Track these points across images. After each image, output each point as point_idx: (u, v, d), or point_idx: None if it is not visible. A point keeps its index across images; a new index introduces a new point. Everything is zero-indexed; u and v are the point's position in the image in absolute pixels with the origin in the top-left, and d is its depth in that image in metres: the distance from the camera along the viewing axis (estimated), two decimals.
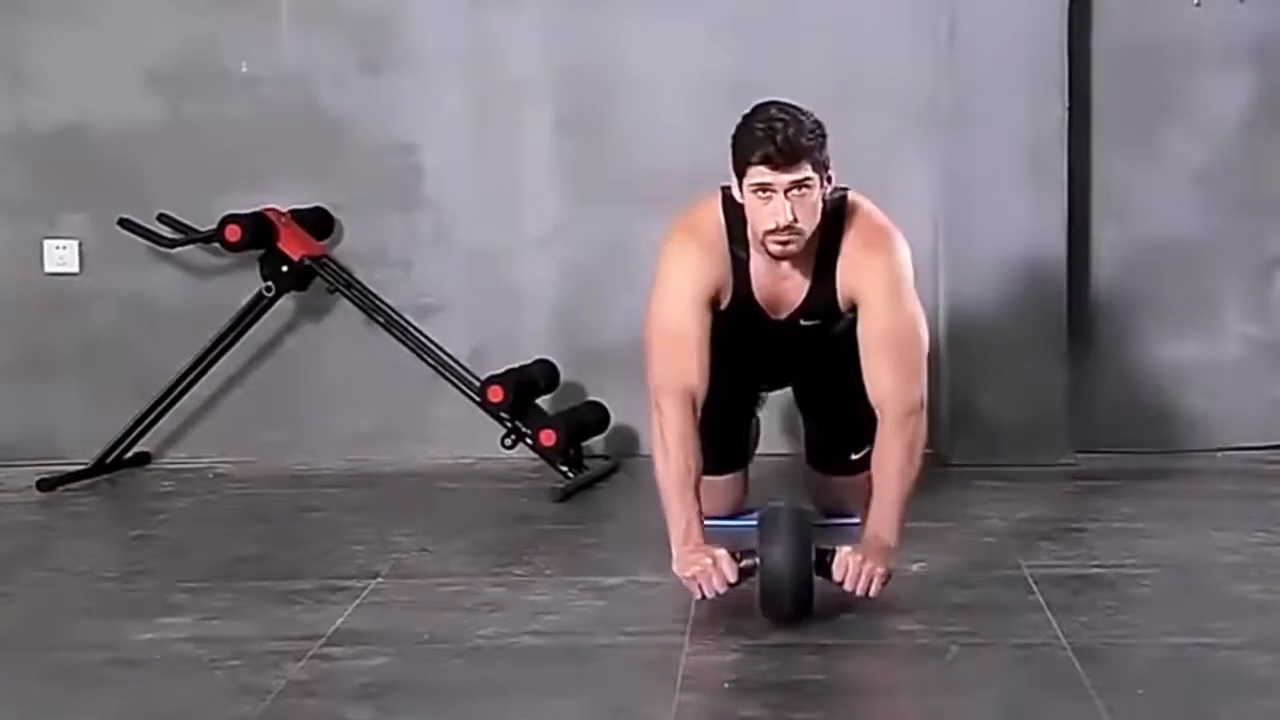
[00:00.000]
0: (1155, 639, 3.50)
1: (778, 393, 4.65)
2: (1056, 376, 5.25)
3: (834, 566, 3.56)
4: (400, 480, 5.22)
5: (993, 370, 5.25)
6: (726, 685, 3.18)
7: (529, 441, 5.09)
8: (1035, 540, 4.36)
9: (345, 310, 5.41)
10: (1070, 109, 5.20)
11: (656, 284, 3.92)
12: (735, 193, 3.85)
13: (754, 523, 4.37)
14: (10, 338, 5.52)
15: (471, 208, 5.48)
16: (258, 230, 5.24)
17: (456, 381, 5.22)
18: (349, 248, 5.47)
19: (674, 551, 3.64)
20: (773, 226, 3.75)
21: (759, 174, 3.74)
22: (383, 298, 5.32)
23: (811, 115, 3.82)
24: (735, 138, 3.81)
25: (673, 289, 3.88)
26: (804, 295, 3.98)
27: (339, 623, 3.65)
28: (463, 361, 5.26)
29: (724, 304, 3.92)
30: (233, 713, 3.13)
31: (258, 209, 5.29)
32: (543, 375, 5.26)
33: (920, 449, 3.76)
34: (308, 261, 5.28)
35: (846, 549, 3.58)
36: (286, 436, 5.49)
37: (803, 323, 4.05)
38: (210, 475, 5.33)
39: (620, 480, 5.15)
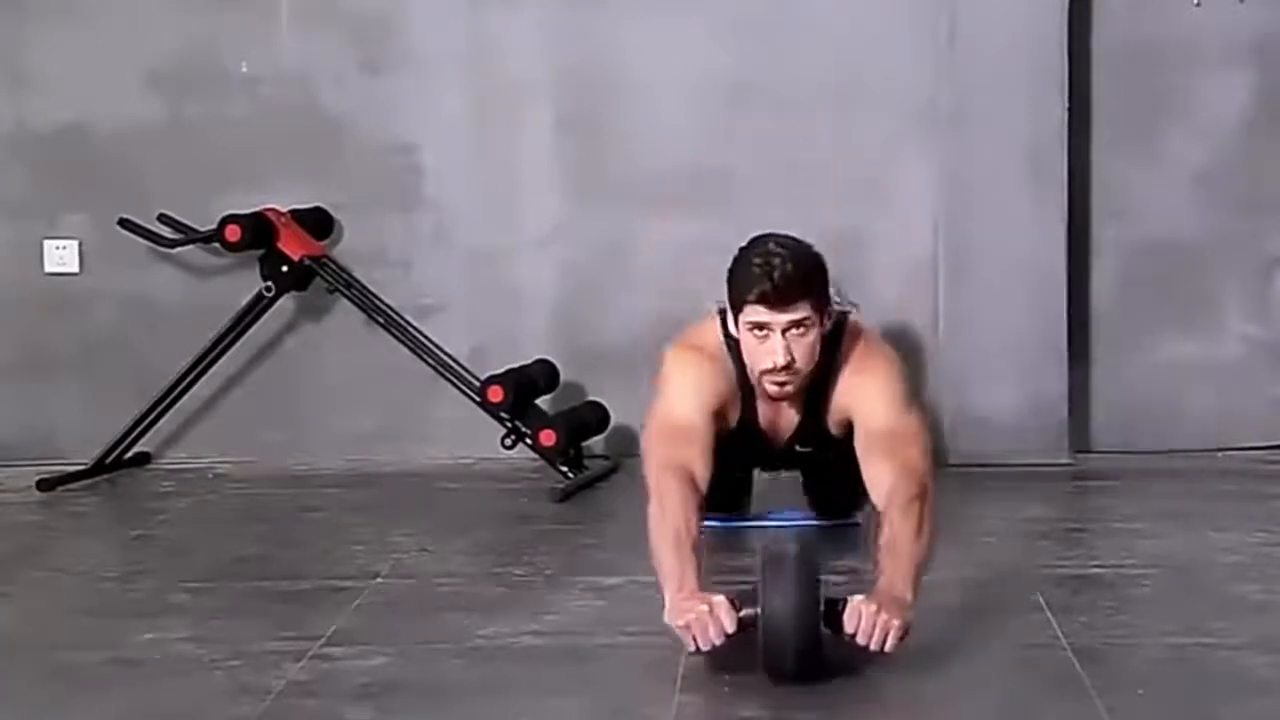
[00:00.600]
0: (1155, 639, 3.49)
1: None
2: (1056, 376, 5.25)
3: (845, 617, 3.20)
4: (400, 480, 5.22)
5: (992, 370, 5.25)
6: (726, 686, 3.17)
7: (529, 441, 5.09)
8: (1035, 540, 4.36)
9: (345, 310, 5.41)
10: (1070, 109, 5.20)
11: (660, 393, 3.72)
12: (731, 327, 3.71)
13: (754, 523, 4.40)
14: (10, 338, 5.52)
15: (471, 208, 5.48)
16: (258, 230, 5.24)
17: (456, 381, 5.22)
18: (349, 248, 5.47)
19: (667, 600, 3.27)
20: (770, 366, 3.64)
21: (756, 313, 3.61)
22: (383, 298, 5.32)
23: (811, 249, 3.67)
24: (732, 271, 3.67)
25: (679, 394, 3.70)
26: (797, 424, 3.94)
27: (339, 623, 3.65)
28: (463, 361, 5.26)
29: (729, 423, 3.79)
30: (232, 713, 3.13)
31: (258, 209, 5.29)
32: (543, 375, 5.26)
33: (931, 529, 3.39)
34: (308, 261, 5.28)
35: (859, 598, 3.21)
36: (286, 436, 5.49)
37: (799, 448, 4.03)
38: (210, 475, 5.33)
39: (620, 480, 5.15)
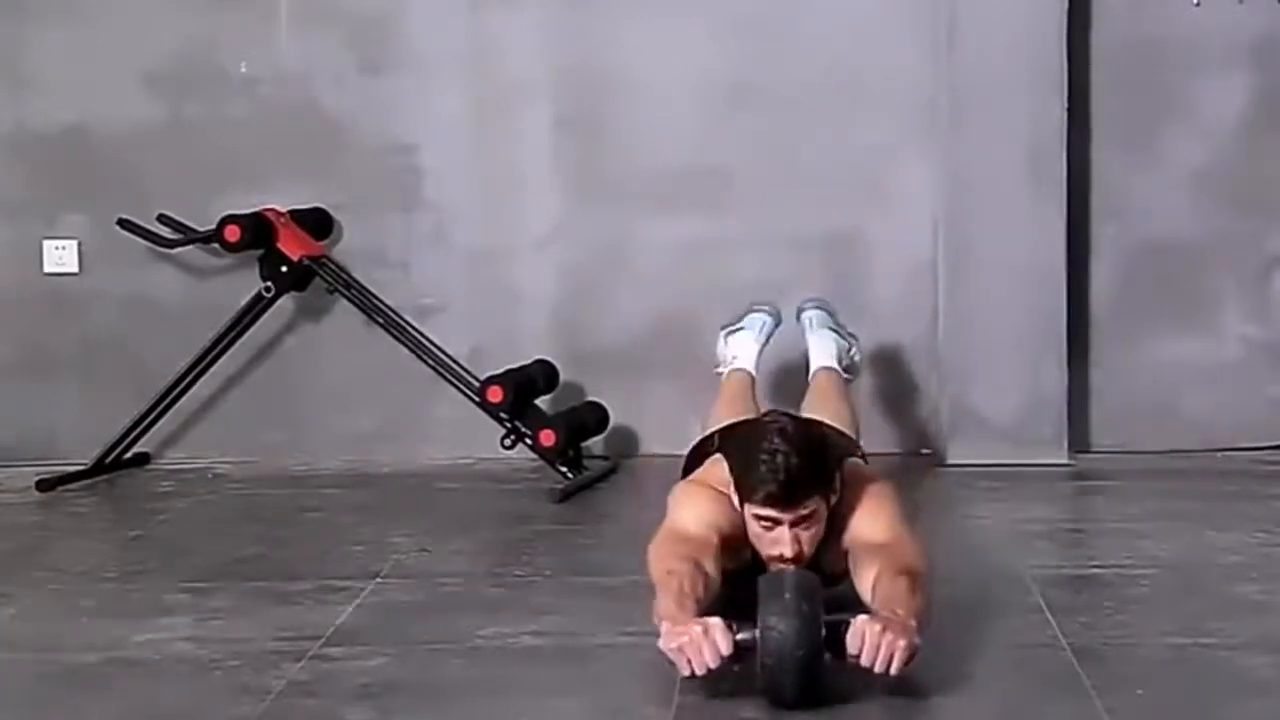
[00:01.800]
0: (1155, 639, 3.50)
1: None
2: (1056, 376, 5.25)
3: (848, 637, 3.07)
4: (400, 480, 5.22)
5: (992, 370, 5.25)
6: (726, 686, 3.17)
7: (528, 442, 5.09)
8: (1035, 540, 4.36)
9: (345, 311, 5.41)
10: (1070, 109, 5.20)
11: (669, 517, 3.55)
12: (734, 501, 3.50)
13: None
14: (10, 338, 5.52)
15: (471, 208, 5.48)
16: (257, 230, 5.24)
17: (456, 382, 5.22)
18: (348, 248, 5.47)
19: (662, 627, 3.17)
20: (777, 555, 3.45)
21: (763, 510, 3.42)
22: (382, 298, 5.32)
23: (816, 435, 3.51)
24: (738, 462, 3.48)
25: (688, 515, 3.52)
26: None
27: (338, 623, 3.65)
28: (462, 362, 5.26)
29: (735, 562, 3.55)
30: (232, 713, 3.13)
31: (257, 209, 5.29)
32: (542, 375, 5.26)
33: (925, 604, 3.23)
34: (307, 262, 5.28)
35: (862, 618, 3.11)
36: (286, 437, 5.49)
37: None
38: (210, 475, 5.33)
39: (619, 481, 5.15)
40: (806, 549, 3.42)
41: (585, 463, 5.17)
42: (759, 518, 3.40)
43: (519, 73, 5.43)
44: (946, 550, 4.12)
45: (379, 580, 4.00)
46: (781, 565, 3.40)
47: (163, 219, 5.39)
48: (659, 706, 3.12)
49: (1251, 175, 5.37)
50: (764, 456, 3.35)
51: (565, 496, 4.88)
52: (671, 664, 3.11)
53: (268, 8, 5.43)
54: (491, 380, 5.09)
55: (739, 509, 3.45)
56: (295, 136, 5.46)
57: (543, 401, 5.25)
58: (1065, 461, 5.22)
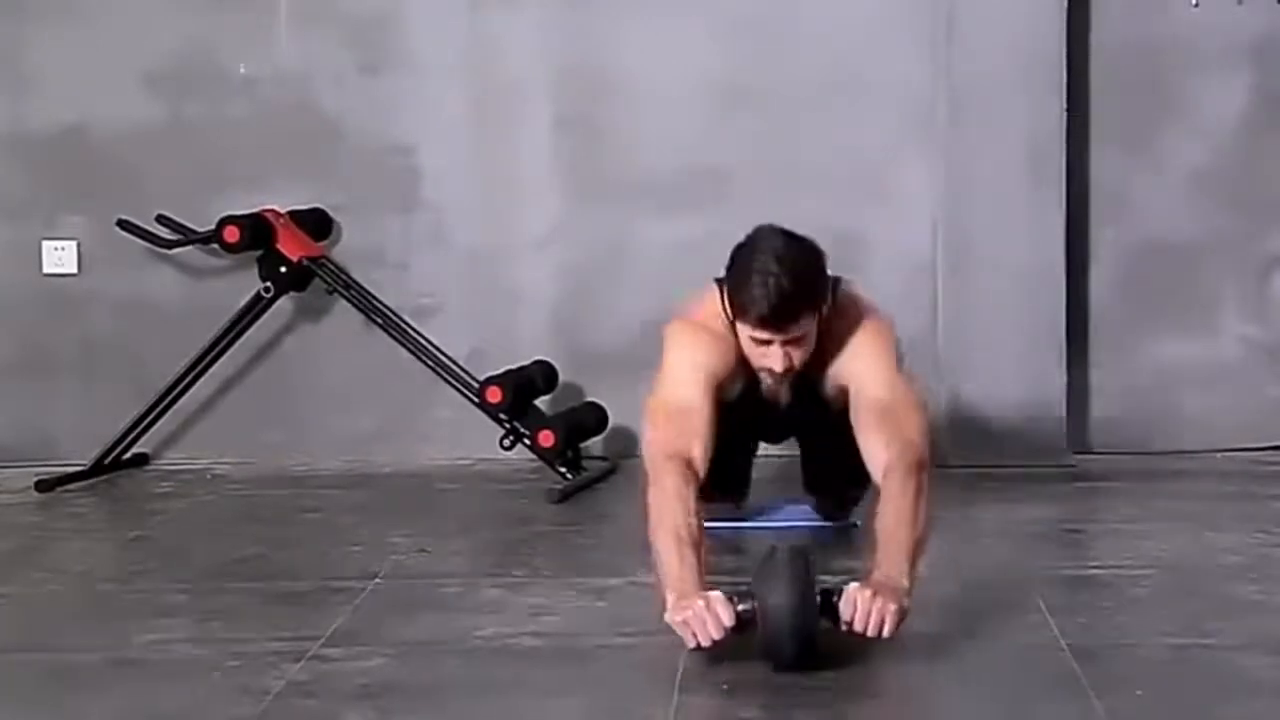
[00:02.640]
0: (1154, 640, 3.50)
1: None
2: (1055, 377, 5.25)
3: (841, 604, 3.23)
4: (399, 481, 5.22)
5: (991, 371, 5.25)
6: (725, 686, 3.17)
7: (527, 442, 5.09)
8: (1034, 541, 4.36)
9: (344, 311, 5.41)
10: (1069, 109, 5.20)
11: (663, 368, 3.73)
12: (725, 326, 3.71)
13: (753, 524, 4.40)
14: (9, 339, 5.52)
15: (470, 208, 5.48)
16: (256, 231, 5.24)
17: (455, 382, 5.22)
18: (347, 248, 5.47)
19: (667, 601, 3.28)
20: (768, 368, 3.67)
21: (756, 330, 3.62)
22: (381, 298, 5.32)
23: (808, 253, 3.65)
24: (731, 278, 3.65)
25: (681, 369, 3.69)
26: (793, 394, 3.94)
27: (338, 623, 3.65)
28: (461, 362, 5.26)
29: (731, 394, 3.79)
30: (231, 714, 3.13)
31: (256, 210, 5.29)
32: (541, 376, 5.26)
33: (926, 507, 3.42)
34: (306, 262, 5.28)
35: (854, 585, 3.24)
36: (285, 437, 5.49)
37: (798, 414, 4.04)
38: (209, 476, 5.33)
39: (619, 481, 5.14)
40: (797, 363, 3.70)
41: (584, 463, 5.17)
42: (752, 338, 3.63)
43: (518, 73, 5.43)
44: (946, 551, 4.12)
45: (378, 581, 4.00)
46: (773, 381, 3.74)
47: (162, 219, 5.38)
48: (659, 707, 3.11)
49: (1251, 175, 5.37)
50: (756, 278, 3.55)
51: (564, 497, 4.88)
52: (679, 658, 3.12)
53: (267, 8, 5.43)
54: (490, 381, 5.09)
55: (731, 324, 3.66)
56: (294, 137, 5.46)
57: (542, 402, 5.25)
58: (1065, 462, 5.22)
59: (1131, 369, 5.40)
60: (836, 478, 4.26)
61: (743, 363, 3.80)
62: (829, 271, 3.81)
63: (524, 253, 5.47)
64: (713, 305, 3.78)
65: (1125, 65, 5.35)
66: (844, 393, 3.78)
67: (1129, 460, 5.28)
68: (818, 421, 4.06)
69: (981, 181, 5.22)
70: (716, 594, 3.21)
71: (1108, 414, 5.41)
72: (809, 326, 3.64)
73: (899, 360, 3.77)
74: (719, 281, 3.79)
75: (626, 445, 5.37)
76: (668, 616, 3.24)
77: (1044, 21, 5.18)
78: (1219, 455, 5.33)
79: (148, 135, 5.45)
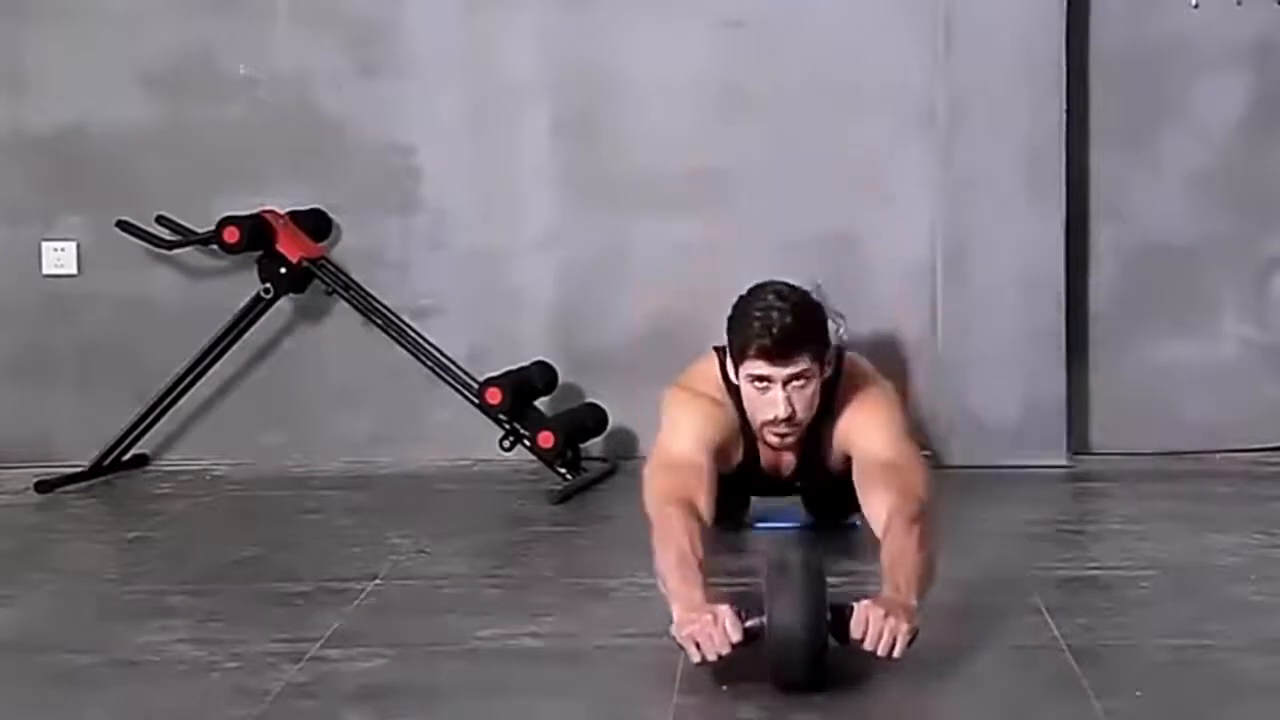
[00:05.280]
0: (1153, 641, 3.50)
1: None
2: (1054, 378, 5.25)
3: (852, 623, 3.14)
4: (398, 482, 5.22)
5: (990, 372, 5.25)
6: (724, 687, 3.17)
7: (527, 443, 5.09)
8: (1033, 542, 4.36)
9: (343, 312, 5.41)
10: (1068, 111, 5.21)
11: (661, 433, 3.67)
12: (731, 374, 3.68)
13: (754, 525, 4.40)
14: (8, 340, 5.52)
15: (469, 209, 5.48)
16: (256, 232, 5.24)
17: (454, 383, 5.22)
18: (347, 249, 5.47)
19: (674, 616, 3.22)
20: (771, 418, 3.62)
21: (756, 366, 3.59)
22: (380, 299, 5.32)
23: (810, 298, 3.64)
24: (732, 322, 3.65)
25: (680, 432, 3.64)
26: (797, 464, 3.94)
27: (337, 624, 3.65)
28: (460, 363, 5.26)
29: (731, 464, 3.74)
30: (231, 714, 3.13)
31: (256, 211, 5.30)
32: (541, 377, 5.26)
33: (930, 554, 3.33)
34: (306, 263, 5.28)
35: (866, 603, 3.16)
36: (284, 438, 5.49)
37: (799, 484, 4.05)
38: (208, 477, 5.33)
39: (618, 482, 5.14)
40: (800, 411, 3.59)
41: (584, 464, 5.17)
42: (753, 378, 3.56)
43: (517, 74, 5.43)
44: (946, 552, 4.12)
45: (378, 582, 4.00)
46: (775, 432, 3.60)
47: (161, 220, 5.39)
48: (658, 708, 3.11)
49: (1250, 176, 5.37)
50: (757, 313, 3.55)
51: (564, 498, 4.88)
52: (679, 649, 3.12)
53: (266, 9, 5.43)
54: (490, 382, 5.10)
55: (734, 378, 3.61)
56: (294, 138, 5.46)
57: (541, 403, 5.25)
58: (1064, 463, 5.22)
59: (1131, 369, 5.41)
60: (837, 511, 4.27)
61: (743, 432, 3.75)
62: (834, 342, 3.77)
63: (524, 253, 5.47)
64: (711, 372, 3.76)
65: (1125, 66, 5.35)
66: (846, 460, 3.74)
67: (1128, 461, 5.28)
68: (821, 485, 4.06)
69: (980, 182, 5.22)
70: (724, 608, 3.15)
71: (1107, 414, 5.41)
72: (811, 367, 3.59)
73: (902, 421, 3.71)
74: (718, 349, 3.77)
75: (626, 446, 5.38)
76: (674, 630, 3.20)
77: (1044, 22, 5.18)
78: (1219, 456, 5.33)
79: (147, 136, 5.46)
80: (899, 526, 3.35)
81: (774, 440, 3.72)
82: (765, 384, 3.59)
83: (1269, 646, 3.42)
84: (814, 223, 5.38)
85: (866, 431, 3.66)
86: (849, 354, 3.84)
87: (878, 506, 3.45)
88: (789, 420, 3.62)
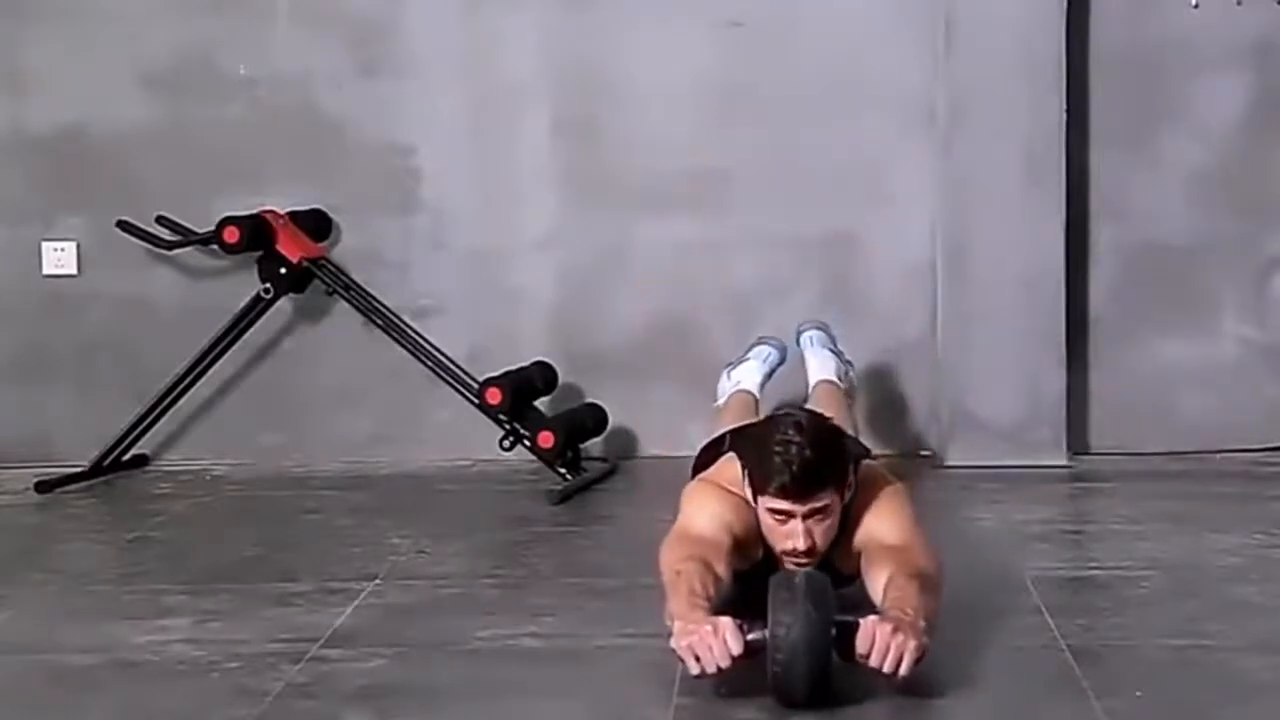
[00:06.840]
0: (1153, 641, 3.50)
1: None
2: (1054, 378, 5.25)
3: (858, 639, 3.07)
4: (398, 482, 5.22)
5: (990, 372, 5.25)
6: (723, 689, 3.17)
7: (527, 443, 5.09)
8: (1034, 542, 4.36)
9: (343, 312, 5.41)
10: (1068, 111, 5.20)
11: (683, 516, 3.53)
12: (749, 497, 3.48)
13: None
14: (8, 340, 5.52)
15: (469, 210, 5.48)
16: (256, 232, 5.24)
17: (454, 383, 5.22)
18: (347, 249, 5.47)
19: (673, 628, 3.16)
20: (790, 549, 3.44)
21: (776, 503, 3.40)
22: (381, 299, 5.32)
23: (830, 429, 3.46)
24: (748, 451, 3.48)
25: (700, 516, 3.49)
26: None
27: (337, 625, 3.65)
28: (460, 363, 5.26)
29: (747, 563, 3.52)
30: (230, 714, 3.13)
31: (256, 211, 5.29)
32: (541, 377, 5.26)
33: (935, 607, 3.24)
34: (306, 263, 5.28)
35: (872, 619, 3.10)
36: (284, 438, 5.49)
37: None
38: (208, 477, 5.33)
39: (618, 482, 5.15)
40: (820, 543, 3.41)
41: (584, 464, 5.17)
42: (773, 511, 3.39)
43: (517, 74, 5.43)
44: (946, 552, 4.11)
45: (377, 582, 4.00)
46: (794, 560, 3.40)
47: (161, 220, 5.39)
48: (658, 708, 3.11)
49: (1250, 177, 5.37)
50: (778, 448, 3.34)
51: (564, 498, 4.88)
52: (678, 662, 3.11)
53: (266, 9, 5.43)
54: (490, 382, 5.09)
55: (752, 503, 3.44)
56: (294, 138, 5.46)
57: (541, 403, 5.25)
58: (1064, 463, 5.22)
59: (1130, 370, 5.41)
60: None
61: (763, 540, 3.54)
62: (850, 450, 3.61)
63: (524, 253, 5.47)
64: (733, 472, 3.57)
65: (1125, 66, 5.35)
66: (859, 561, 3.55)
67: (1128, 461, 5.28)
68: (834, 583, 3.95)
69: (981, 182, 5.22)
70: (726, 619, 3.09)
71: (1107, 414, 5.41)
72: (832, 500, 3.42)
73: (914, 516, 3.56)
74: (741, 456, 3.57)
75: (626, 446, 5.38)
76: (673, 641, 3.13)
77: (1044, 22, 5.18)
78: (1218, 456, 5.33)
79: (147, 136, 5.45)
80: (900, 579, 3.27)
81: (791, 567, 3.49)
82: (785, 518, 3.42)
83: (1268, 646, 3.42)
84: (814, 223, 5.38)
85: (877, 530, 3.51)
86: (862, 463, 3.64)
87: (879, 579, 3.35)
88: (808, 552, 3.43)
